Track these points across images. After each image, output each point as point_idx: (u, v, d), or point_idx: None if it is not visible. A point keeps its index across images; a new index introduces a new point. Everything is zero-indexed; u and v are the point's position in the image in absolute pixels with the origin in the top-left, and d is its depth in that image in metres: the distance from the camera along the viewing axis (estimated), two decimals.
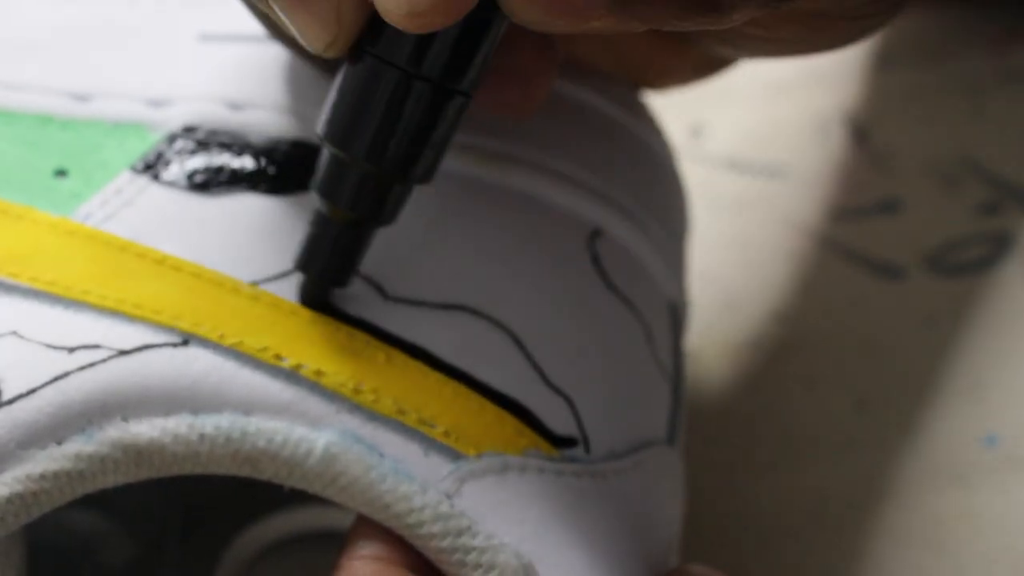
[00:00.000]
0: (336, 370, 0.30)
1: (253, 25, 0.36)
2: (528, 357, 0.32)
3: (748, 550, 0.42)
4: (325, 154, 0.30)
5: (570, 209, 0.34)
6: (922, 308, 0.45)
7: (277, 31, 0.32)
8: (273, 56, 0.35)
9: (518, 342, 0.32)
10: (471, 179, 0.33)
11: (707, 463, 0.43)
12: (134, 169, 0.33)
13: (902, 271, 0.46)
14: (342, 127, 0.29)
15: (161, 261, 0.31)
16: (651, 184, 0.37)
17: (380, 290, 0.31)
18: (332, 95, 0.29)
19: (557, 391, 0.32)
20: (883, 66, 0.50)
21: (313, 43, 0.28)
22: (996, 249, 0.46)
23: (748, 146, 0.49)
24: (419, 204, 0.33)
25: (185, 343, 0.30)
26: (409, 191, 0.30)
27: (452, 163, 0.33)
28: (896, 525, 0.42)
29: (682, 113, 0.49)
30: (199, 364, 0.29)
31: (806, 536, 0.42)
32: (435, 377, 0.30)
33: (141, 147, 0.34)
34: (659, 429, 0.34)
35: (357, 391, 0.30)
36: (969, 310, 0.45)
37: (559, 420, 0.31)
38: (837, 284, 0.46)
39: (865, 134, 0.49)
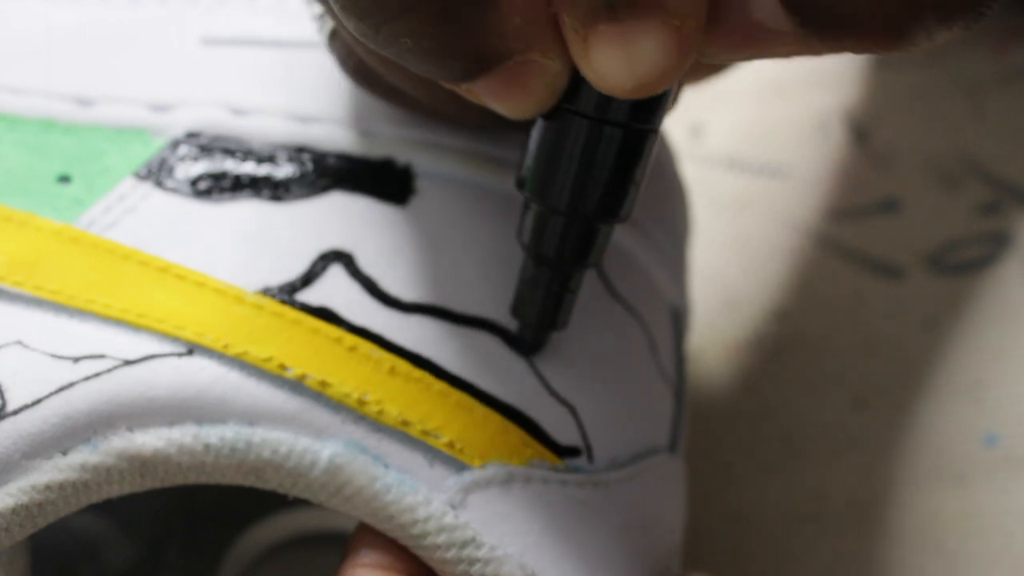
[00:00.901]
0: (341, 380, 0.30)
1: (256, 29, 0.36)
2: (532, 366, 0.32)
3: (748, 550, 0.42)
4: (528, 205, 0.30)
5: None
6: (922, 308, 0.45)
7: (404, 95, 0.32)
8: (276, 61, 0.35)
9: (522, 350, 0.32)
10: (475, 185, 0.33)
11: (707, 463, 0.43)
12: (137, 175, 0.33)
13: (902, 271, 0.46)
14: (542, 179, 0.29)
15: (164, 269, 0.31)
16: (653, 189, 0.37)
17: (384, 299, 0.31)
18: (529, 149, 0.29)
19: (561, 400, 0.32)
20: (883, 66, 0.50)
21: (521, 115, 0.28)
22: (996, 249, 0.46)
23: (748, 146, 0.49)
24: (423, 212, 0.33)
25: (190, 353, 0.30)
26: (612, 229, 0.30)
27: (455, 169, 0.33)
28: (896, 525, 0.42)
29: (682, 113, 0.49)
30: (204, 374, 0.30)
31: (806, 536, 0.42)
32: (439, 387, 0.30)
33: (144, 153, 0.33)
34: (661, 437, 0.34)
35: (362, 402, 0.30)
36: (969, 310, 0.45)
37: (563, 430, 0.31)
38: (837, 284, 0.46)
39: (865, 134, 0.49)
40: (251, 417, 0.29)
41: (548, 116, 0.29)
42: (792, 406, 0.44)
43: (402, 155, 0.33)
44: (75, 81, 0.35)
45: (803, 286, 0.46)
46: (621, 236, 0.35)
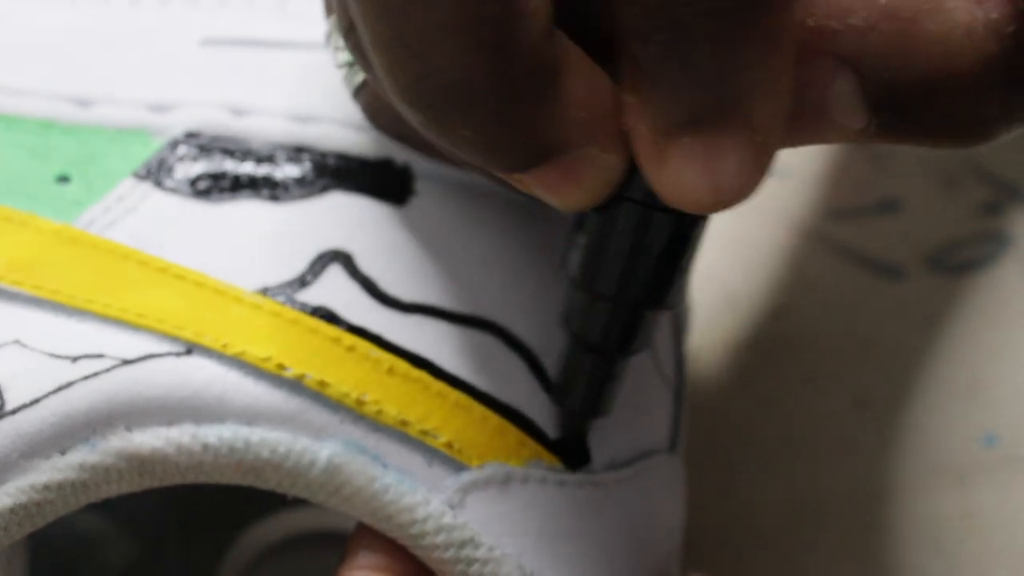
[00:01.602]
0: (339, 380, 0.30)
1: (255, 30, 0.36)
2: (531, 366, 0.32)
3: (748, 550, 0.42)
4: (574, 292, 0.29)
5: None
6: (922, 308, 0.45)
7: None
8: (275, 61, 0.35)
9: (521, 351, 0.32)
10: (473, 186, 0.33)
11: (707, 463, 0.43)
12: (136, 176, 0.33)
13: (902, 271, 0.46)
14: (589, 265, 0.29)
15: (164, 269, 0.31)
16: None
17: (383, 299, 0.31)
18: (574, 234, 0.29)
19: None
20: None
21: (571, 208, 0.27)
22: (996, 249, 0.46)
23: None
24: (423, 213, 0.33)
25: (188, 352, 0.30)
26: (657, 317, 0.30)
27: (454, 170, 0.33)
28: (896, 525, 0.42)
29: None
30: (202, 374, 0.30)
31: (806, 536, 0.42)
32: (438, 387, 0.30)
33: (144, 153, 0.34)
34: (661, 438, 0.34)
35: (361, 402, 0.30)
36: (969, 309, 0.45)
37: None
38: (837, 284, 0.46)
39: None
40: (250, 417, 0.29)
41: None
42: (792, 406, 0.44)
43: (401, 155, 0.33)
44: (75, 82, 0.35)
45: (803, 286, 0.46)
46: None
